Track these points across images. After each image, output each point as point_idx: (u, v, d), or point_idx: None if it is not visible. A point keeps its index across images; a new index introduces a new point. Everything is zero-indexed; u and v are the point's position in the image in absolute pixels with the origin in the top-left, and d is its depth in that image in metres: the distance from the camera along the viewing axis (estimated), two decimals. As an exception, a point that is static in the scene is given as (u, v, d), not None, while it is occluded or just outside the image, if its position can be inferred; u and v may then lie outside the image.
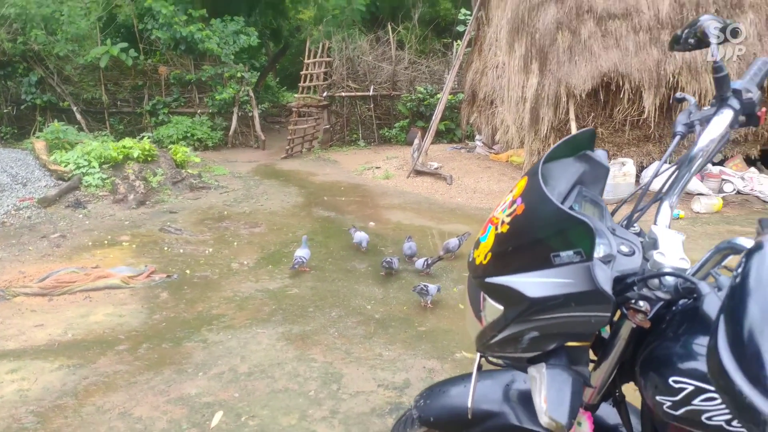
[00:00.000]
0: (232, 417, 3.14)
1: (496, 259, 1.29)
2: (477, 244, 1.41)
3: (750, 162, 9.10)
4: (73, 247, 6.17)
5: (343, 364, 3.80)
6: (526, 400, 1.66)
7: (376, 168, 11.05)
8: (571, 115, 8.51)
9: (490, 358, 1.63)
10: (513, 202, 1.29)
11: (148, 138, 10.65)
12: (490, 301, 1.38)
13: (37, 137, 10.62)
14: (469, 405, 1.59)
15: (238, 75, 14.25)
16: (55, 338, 4.09)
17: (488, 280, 1.31)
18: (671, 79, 8.06)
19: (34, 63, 13.66)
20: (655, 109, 8.24)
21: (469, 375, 1.89)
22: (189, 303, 4.81)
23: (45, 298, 4.78)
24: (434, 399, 1.84)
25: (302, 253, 5.55)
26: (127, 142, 9.64)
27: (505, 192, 8.96)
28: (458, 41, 15.02)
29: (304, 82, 13.57)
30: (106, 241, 6.39)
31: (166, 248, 6.25)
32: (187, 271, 5.55)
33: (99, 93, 14.16)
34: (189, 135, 13.59)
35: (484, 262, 1.33)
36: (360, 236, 6.15)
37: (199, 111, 14.40)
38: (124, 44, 13.80)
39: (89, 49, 13.79)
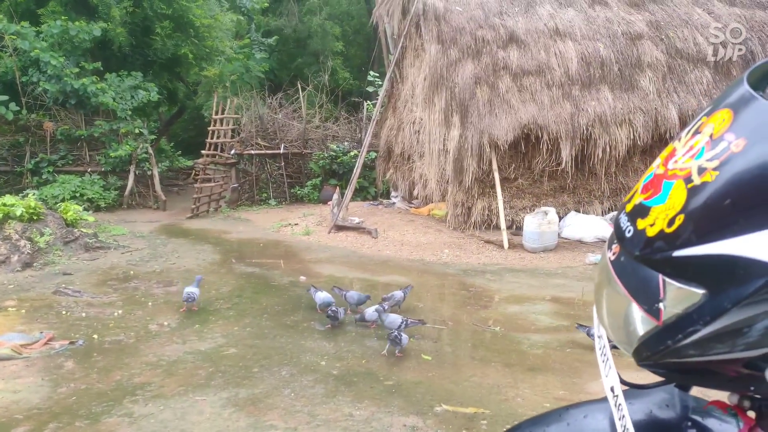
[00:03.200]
0: (186, 506, 2.44)
1: (698, 220, 0.92)
2: (641, 211, 1.04)
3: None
4: (-58, 316, 5.02)
5: (309, 429, 3.20)
6: None
7: (294, 225, 10.51)
8: (494, 166, 8.65)
9: (629, 380, 1.23)
10: (714, 141, 0.95)
11: (33, 195, 9.41)
12: (676, 284, 0.99)
13: None
14: None
15: (137, 131, 13.29)
16: (-77, 426, 3.11)
17: (679, 253, 0.93)
18: (585, 130, 8.48)
19: None
20: (572, 159, 8.58)
21: (562, 410, 1.46)
22: (103, 372, 3.96)
23: None
24: None
25: (192, 289, 5.32)
26: (8, 199, 8.41)
27: (434, 243, 8.79)
28: (368, 101, 15.20)
29: (212, 138, 12.91)
30: (-15, 307, 5.29)
31: (64, 312, 5.27)
32: (95, 336, 4.65)
33: (-30, 150, 12.53)
34: (78, 195, 12.23)
35: (668, 230, 0.96)
36: (323, 297, 5.20)
37: (89, 169, 13.11)
38: (5, 97, 12.44)
39: (-40, 101, 12.26)
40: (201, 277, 5.66)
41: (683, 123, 8.68)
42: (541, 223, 8.16)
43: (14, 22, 12.86)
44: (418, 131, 10.58)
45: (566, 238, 8.79)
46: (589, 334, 4.64)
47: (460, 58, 9.05)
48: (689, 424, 1.21)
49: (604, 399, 1.44)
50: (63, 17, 13.02)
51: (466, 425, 3.28)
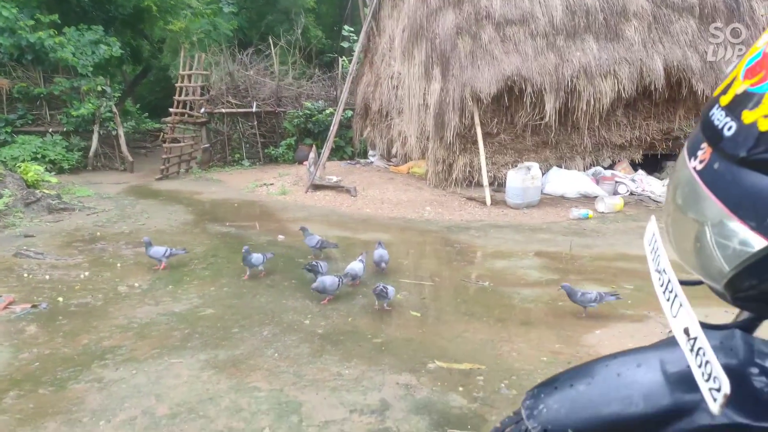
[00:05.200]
0: (164, 477, 2.21)
1: None
2: (746, 100, 0.81)
3: (634, 166, 9.59)
4: None
5: (296, 390, 2.98)
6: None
7: (270, 185, 10.15)
8: (476, 120, 8.38)
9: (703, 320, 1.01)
10: None
11: (-11, 156, 8.84)
12: None
13: None
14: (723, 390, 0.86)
15: (99, 88, 12.59)
16: None
17: None
18: (569, 82, 8.24)
19: None
20: (556, 112, 8.36)
21: (609, 358, 1.23)
22: (69, 336, 3.67)
23: None
24: (563, 400, 1.14)
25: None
26: (-38, 159, 7.89)
27: (414, 201, 8.56)
28: (343, 57, 14.68)
29: (180, 95, 12.32)
30: (-62, 271, 4.91)
31: (26, 275, 4.92)
32: (60, 299, 4.34)
33: None
34: (39, 156, 11.62)
35: None
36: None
37: (50, 129, 12.44)
38: (-47, 52, 11.62)
39: None
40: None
41: (668, 75, 8.49)
42: (524, 179, 7.97)
43: (-41, -31, 11.90)
44: (397, 86, 10.21)
45: (549, 194, 8.65)
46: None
47: (441, 6, 8.64)
48: (756, 371, 1.00)
49: (657, 344, 1.23)
50: (13, -36, 12.11)
51: (462, 381, 3.11)
